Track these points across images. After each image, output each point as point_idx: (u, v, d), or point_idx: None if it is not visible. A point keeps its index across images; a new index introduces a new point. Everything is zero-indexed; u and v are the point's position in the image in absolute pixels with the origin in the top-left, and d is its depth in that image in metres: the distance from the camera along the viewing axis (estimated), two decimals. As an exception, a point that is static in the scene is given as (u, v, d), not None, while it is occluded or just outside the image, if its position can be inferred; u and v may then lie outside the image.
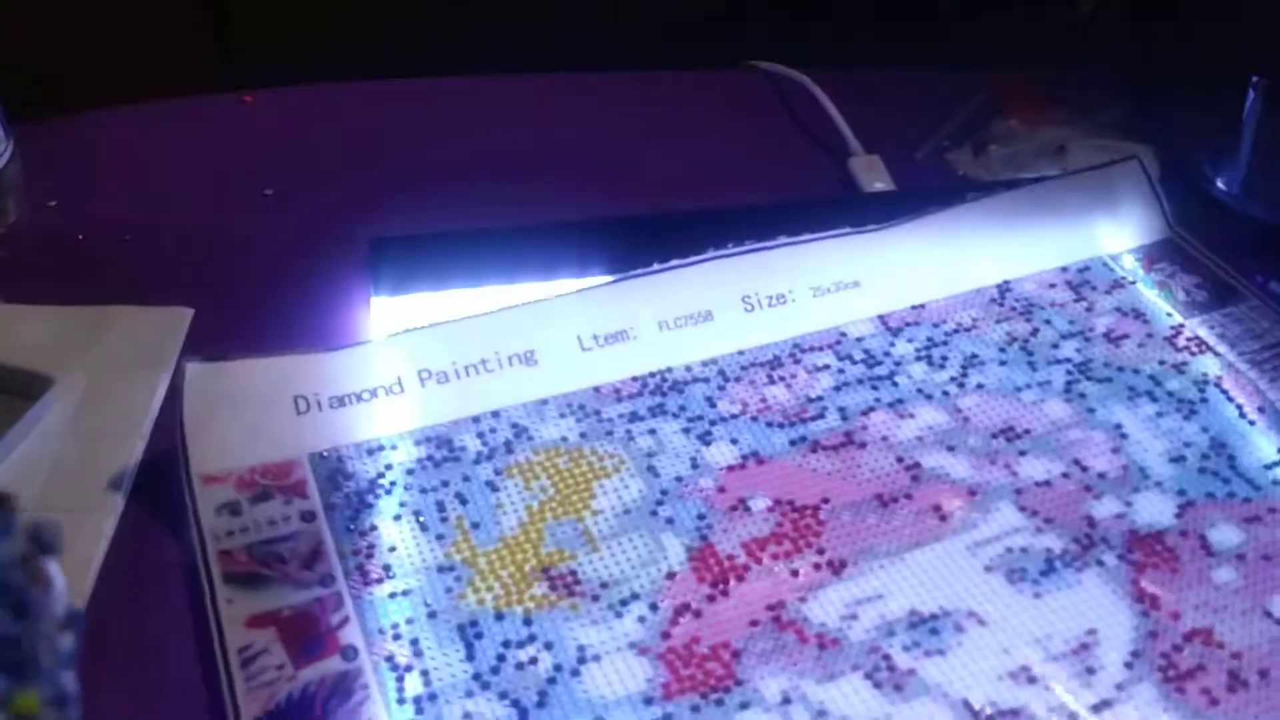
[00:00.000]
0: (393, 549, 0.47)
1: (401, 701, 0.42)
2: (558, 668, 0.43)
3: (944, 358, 0.57)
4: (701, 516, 0.49)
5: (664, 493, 0.50)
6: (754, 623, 0.45)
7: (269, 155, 0.69)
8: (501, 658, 0.43)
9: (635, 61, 0.77)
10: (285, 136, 0.71)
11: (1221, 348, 0.58)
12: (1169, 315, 0.60)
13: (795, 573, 0.47)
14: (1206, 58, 0.67)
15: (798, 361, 0.56)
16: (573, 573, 0.47)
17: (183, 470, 0.49)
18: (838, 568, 0.47)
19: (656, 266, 0.58)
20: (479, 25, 0.82)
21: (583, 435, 0.52)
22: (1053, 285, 0.62)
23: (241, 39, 0.82)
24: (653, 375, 0.55)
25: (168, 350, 0.55)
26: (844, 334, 0.58)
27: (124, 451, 0.50)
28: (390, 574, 0.46)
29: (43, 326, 0.56)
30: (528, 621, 0.45)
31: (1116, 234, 0.65)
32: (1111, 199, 0.65)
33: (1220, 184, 0.66)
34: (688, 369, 0.56)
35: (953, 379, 0.56)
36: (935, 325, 0.59)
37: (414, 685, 0.42)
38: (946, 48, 0.77)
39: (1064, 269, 0.63)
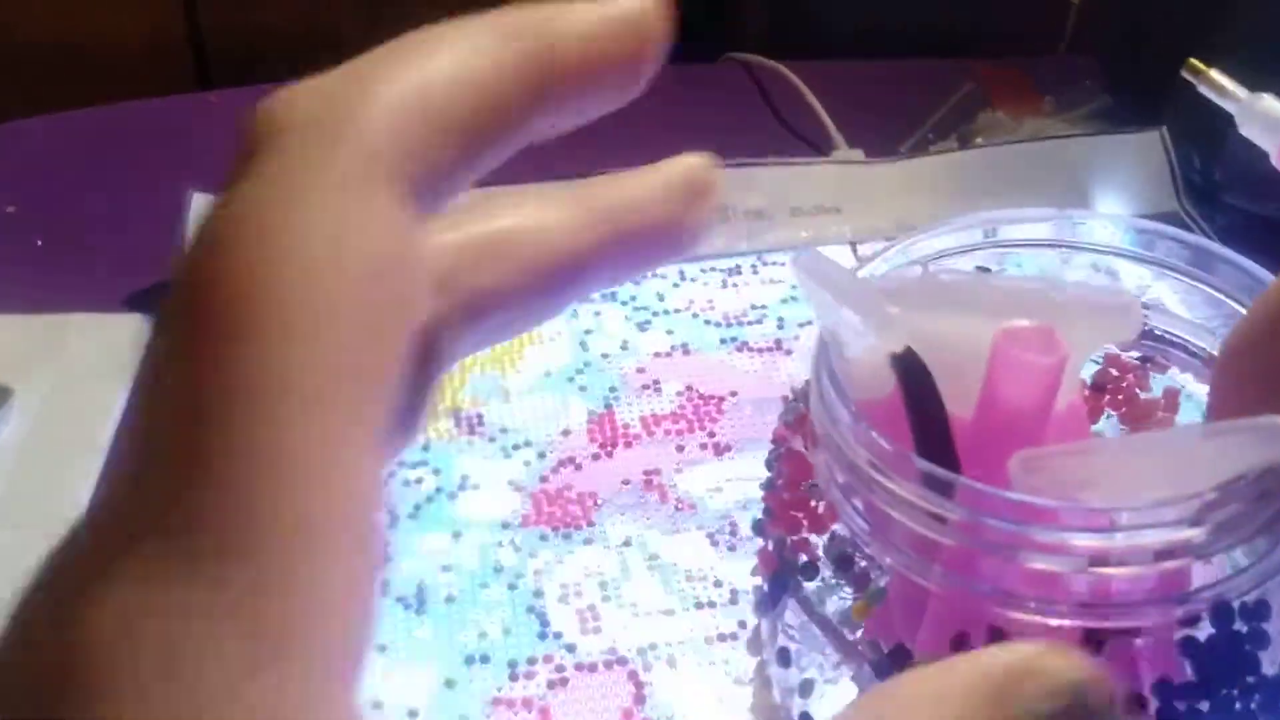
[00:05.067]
0: (333, 374, 0.53)
1: (297, 494, 0.48)
2: (439, 489, 0.48)
3: (899, 288, 0.59)
4: (613, 389, 0.53)
5: (586, 364, 0.54)
6: (626, 482, 0.49)
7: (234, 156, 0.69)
8: (392, 473, 0.49)
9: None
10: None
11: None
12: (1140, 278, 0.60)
13: (681, 448, 0.50)
14: (1195, 48, 0.66)
15: (756, 272, 0.60)
16: (479, 416, 0.51)
17: (177, 285, 0.56)
18: (722, 450, 0.50)
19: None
20: (453, 15, 0.81)
21: (533, 307, 0.57)
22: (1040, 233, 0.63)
23: (214, 38, 0.81)
24: (616, 266, 0.59)
25: (127, 360, 0.52)
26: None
27: (84, 464, 0.49)
28: (323, 393, 0.52)
29: (1, 336, 0.54)
30: (425, 448, 0.50)
31: (1120, 199, 0.65)
32: (1125, 165, 0.66)
33: (1209, 175, 0.66)
34: (649, 264, 0.60)
35: (901, 307, 0.58)
36: (903, 259, 0.61)
37: (311, 483, 0.48)
38: (927, 38, 0.75)
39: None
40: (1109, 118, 0.69)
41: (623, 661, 0.42)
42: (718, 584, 0.45)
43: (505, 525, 0.47)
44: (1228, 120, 0.65)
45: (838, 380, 0.24)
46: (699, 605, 0.44)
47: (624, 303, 0.57)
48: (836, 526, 0.25)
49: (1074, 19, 0.79)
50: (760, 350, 0.55)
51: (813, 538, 0.25)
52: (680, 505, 0.48)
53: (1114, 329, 0.25)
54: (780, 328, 0.56)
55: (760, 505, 0.28)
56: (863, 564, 0.25)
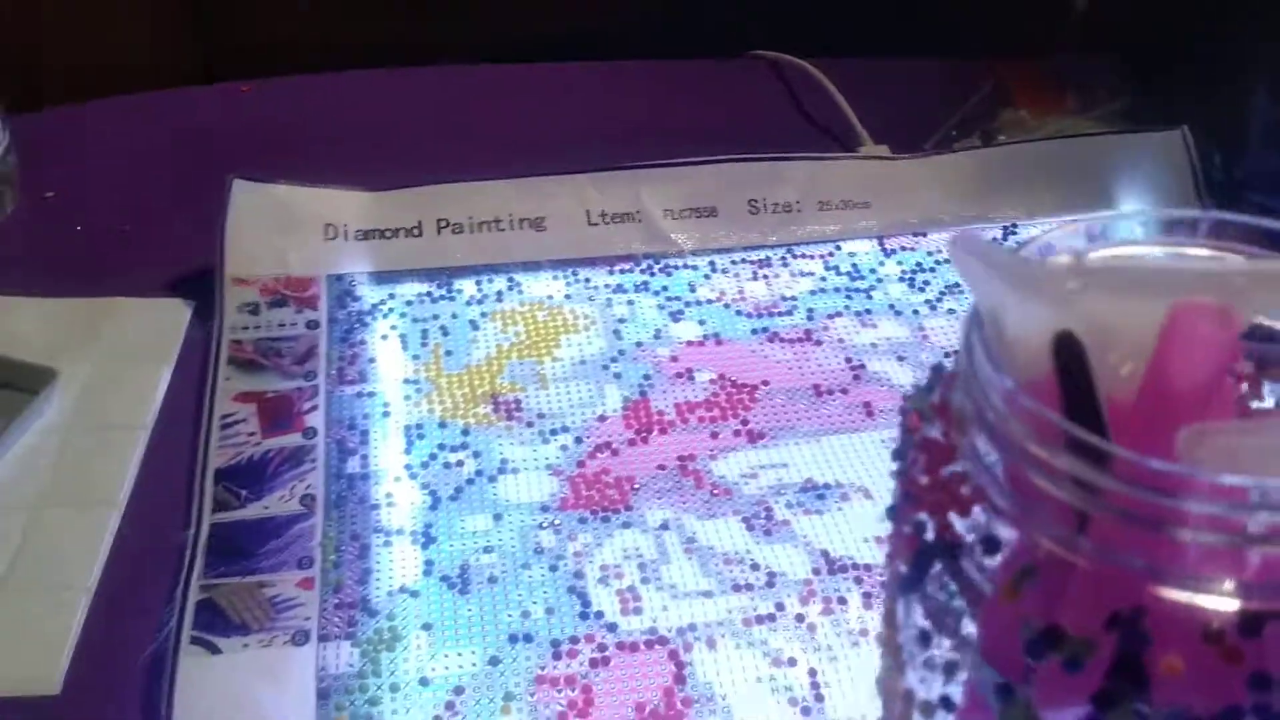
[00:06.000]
0: (372, 360, 0.54)
1: (339, 477, 0.49)
2: (479, 472, 0.49)
3: (925, 282, 0.60)
4: (647, 377, 0.54)
5: (621, 353, 0.55)
6: (661, 467, 0.50)
7: (268, 145, 0.66)
8: (434, 456, 0.50)
9: (636, 50, 0.74)
10: (284, 126, 0.69)
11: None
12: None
13: (715, 435, 0.51)
14: (1216, 44, 0.67)
15: (786, 265, 0.60)
16: (518, 401, 0.52)
17: (218, 270, 0.57)
18: (755, 437, 0.51)
19: (673, 161, 0.62)
20: (476, 13, 0.79)
21: (567, 296, 0.58)
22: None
23: (220, 34, 0.80)
24: (648, 256, 0.60)
25: (169, 344, 0.54)
26: (839, 247, 0.62)
27: (126, 445, 0.50)
28: (363, 378, 0.53)
29: (44, 319, 0.55)
30: (465, 432, 0.51)
31: (1142, 197, 0.66)
32: (1147, 163, 0.66)
33: (1231, 173, 0.67)
34: (680, 256, 0.60)
35: (927, 302, 0.59)
36: (929, 253, 0.62)
37: (353, 465, 0.49)
38: (950, 35, 0.76)
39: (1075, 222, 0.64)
40: (1131, 117, 0.70)
41: (663, 641, 0.43)
42: (754, 567, 0.45)
43: (545, 508, 0.48)
44: (1249, 119, 0.66)
45: (995, 356, 0.24)
46: (737, 588, 0.45)
47: (656, 293, 0.58)
48: (979, 508, 0.26)
49: (1077, 19, 0.79)
50: (790, 341, 0.56)
51: (956, 521, 0.26)
52: (716, 490, 0.49)
53: None
54: (810, 319, 0.57)
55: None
56: (1009, 545, 0.25)
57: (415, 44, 0.79)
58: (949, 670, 0.28)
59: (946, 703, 0.28)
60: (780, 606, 0.44)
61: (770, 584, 0.45)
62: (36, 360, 0.52)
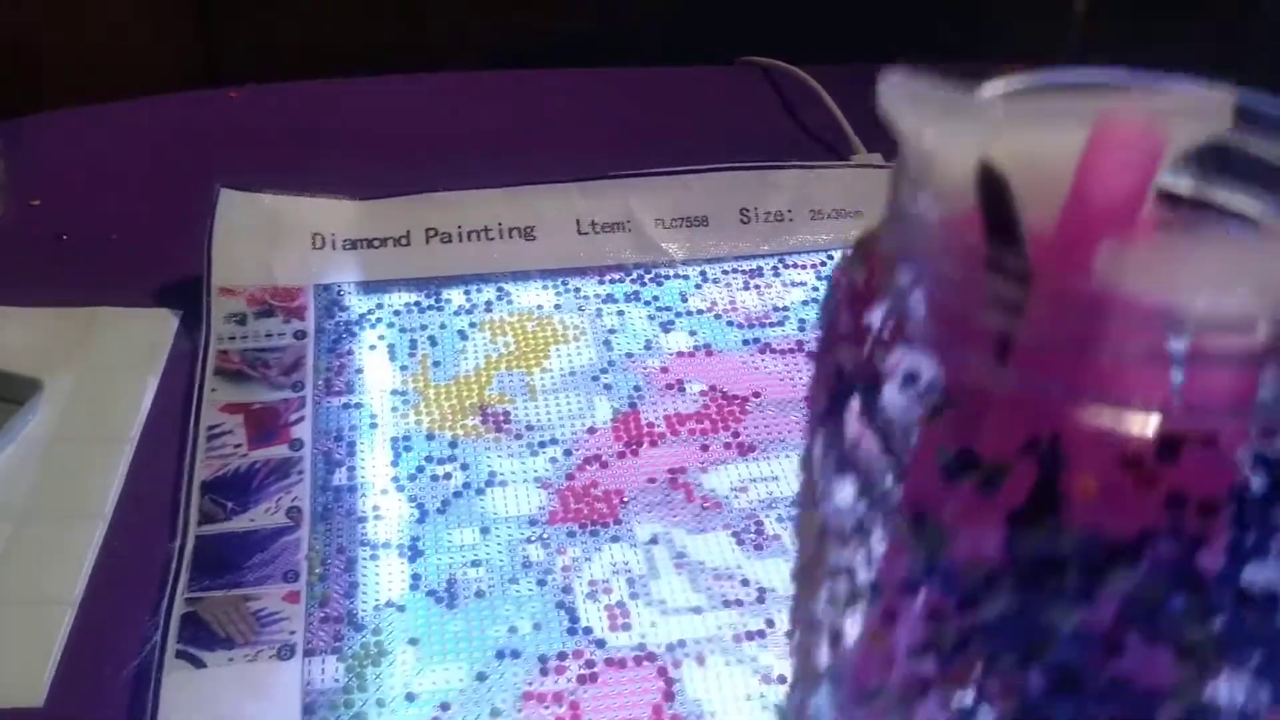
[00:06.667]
0: (359, 371, 0.53)
1: (325, 489, 0.48)
2: (466, 485, 0.49)
3: (918, 291, 0.59)
4: (637, 388, 0.53)
5: (611, 364, 0.55)
6: (651, 480, 0.49)
7: (257, 152, 0.67)
8: (421, 469, 0.49)
9: (626, 57, 0.74)
10: (272, 133, 0.69)
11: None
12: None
13: (705, 448, 0.51)
14: (1209, 52, 0.67)
15: (777, 274, 0.60)
16: (506, 413, 0.52)
17: (204, 280, 0.56)
18: (746, 450, 0.51)
19: (664, 169, 0.62)
20: (469, 21, 0.80)
21: (556, 306, 0.57)
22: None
23: (224, 34, 0.82)
24: (638, 266, 0.60)
25: (155, 354, 0.54)
26: (831, 257, 0.61)
27: (112, 457, 0.50)
28: (350, 389, 0.53)
29: (29, 329, 0.55)
30: (453, 444, 0.50)
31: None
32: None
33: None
34: (671, 266, 0.60)
35: (920, 311, 0.58)
36: (922, 263, 0.61)
37: (340, 477, 0.49)
38: (944, 42, 0.76)
39: (1069, 231, 0.64)
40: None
41: (652, 657, 0.42)
42: (745, 582, 0.45)
43: (533, 521, 0.47)
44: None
45: (922, 189, 0.24)
46: (726, 603, 0.44)
47: (647, 303, 0.58)
48: (900, 345, 0.25)
49: (1074, 25, 0.79)
50: (782, 352, 0.56)
51: (876, 358, 0.26)
52: (706, 504, 0.48)
53: (1207, 124, 0.25)
54: (802, 330, 0.57)
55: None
56: (928, 376, 0.25)
57: (417, 46, 0.79)
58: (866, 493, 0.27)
59: (861, 529, 0.27)
60: (770, 623, 0.44)
61: (761, 600, 0.44)
62: (21, 370, 0.51)
